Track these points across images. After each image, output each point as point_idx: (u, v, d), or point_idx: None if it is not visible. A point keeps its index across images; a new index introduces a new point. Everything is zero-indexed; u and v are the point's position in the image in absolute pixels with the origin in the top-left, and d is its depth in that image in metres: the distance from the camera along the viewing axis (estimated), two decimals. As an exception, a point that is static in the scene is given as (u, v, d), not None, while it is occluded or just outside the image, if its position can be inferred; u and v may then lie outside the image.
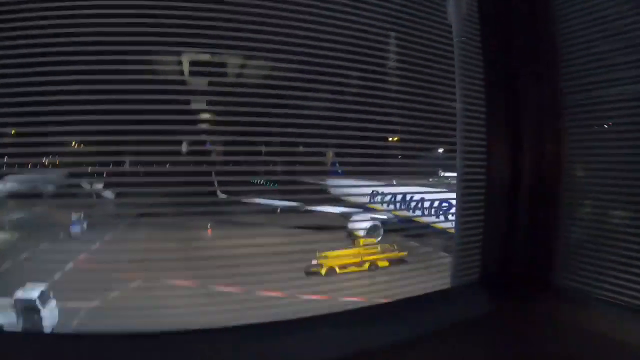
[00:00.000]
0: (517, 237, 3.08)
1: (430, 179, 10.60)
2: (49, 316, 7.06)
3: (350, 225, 12.10)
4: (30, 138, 4.75)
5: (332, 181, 15.70)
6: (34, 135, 4.62)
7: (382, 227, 12.09)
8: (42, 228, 10.56)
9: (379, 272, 10.71)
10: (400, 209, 12.40)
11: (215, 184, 10.89)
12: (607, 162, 2.82)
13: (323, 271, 10.19)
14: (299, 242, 11.85)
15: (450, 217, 9.94)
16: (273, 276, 8.07)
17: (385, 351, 2.29)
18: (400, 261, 11.08)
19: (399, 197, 13.11)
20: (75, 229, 12.62)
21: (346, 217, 12.44)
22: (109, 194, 12.26)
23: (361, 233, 11.67)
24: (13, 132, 4.87)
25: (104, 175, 11.28)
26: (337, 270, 10.41)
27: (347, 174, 15.37)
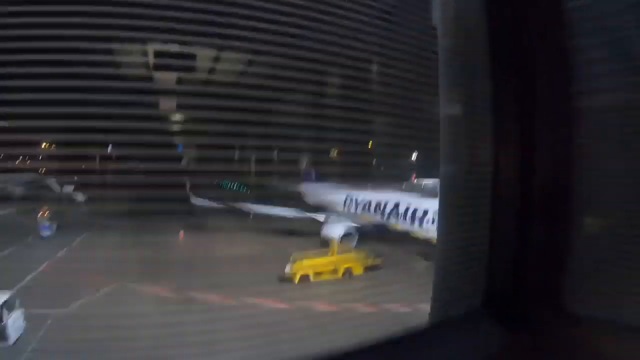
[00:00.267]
0: (526, 256, 2.69)
1: (418, 187, 10.72)
2: (14, 326, 6.82)
3: (325, 231, 12.11)
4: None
5: (308, 186, 15.72)
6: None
7: (357, 234, 12.11)
8: (9, 232, 10.31)
9: (354, 280, 10.72)
10: (379, 215, 12.47)
11: (188, 187, 10.83)
12: (627, 175, 2.48)
13: (296, 278, 10.13)
14: (272, 249, 11.80)
15: (434, 225, 9.94)
16: (245, 283, 8.02)
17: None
18: (375, 268, 11.10)
19: (378, 204, 13.16)
20: (45, 232, 12.31)
21: (321, 222, 12.44)
22: (79, 196, 12.05)
23: (336, 239, 11.66)
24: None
25: (75, 178, 11.12)
26: (311, 277, 10.37)
27: (324, 180, 15.44)
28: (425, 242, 9.92)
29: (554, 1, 2.60)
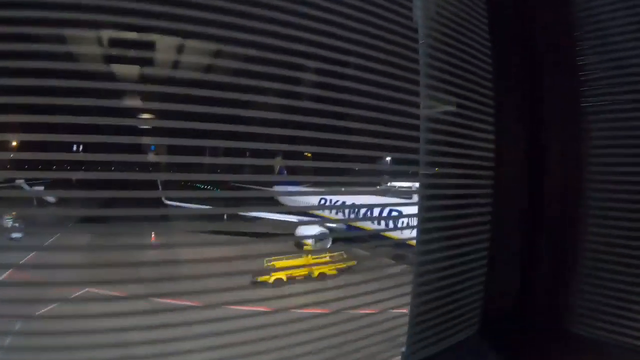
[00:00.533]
0: (528, 275, 2.53)
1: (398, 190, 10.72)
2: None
3: (299, 233, 12.05)
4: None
5: (282, 188, 15.63)
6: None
7: (331, 236, 12.09)
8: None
9: (328, 282, 10.69)
10: (353, 218, 12.44)
11: (160, 188, 10.60)
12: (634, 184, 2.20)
13: (271, 280, 10.07)
14: (245, 251, 11.56)
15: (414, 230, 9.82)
16: (217, 286, 7.84)
17: None
18: (349, 270, 11.11)
19: (353, 206, 13.12)
20: (14, 234, 11.77)
21: (295, 224, 12.38)
22: (49, 197, 11.70)
23: (310, 241, 11.62)
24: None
25: (44, 178, 10.76)
26: (285, 279, 10.32)
27: (298, 182, 15.38)
28: (399, 244, 9.93)
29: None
